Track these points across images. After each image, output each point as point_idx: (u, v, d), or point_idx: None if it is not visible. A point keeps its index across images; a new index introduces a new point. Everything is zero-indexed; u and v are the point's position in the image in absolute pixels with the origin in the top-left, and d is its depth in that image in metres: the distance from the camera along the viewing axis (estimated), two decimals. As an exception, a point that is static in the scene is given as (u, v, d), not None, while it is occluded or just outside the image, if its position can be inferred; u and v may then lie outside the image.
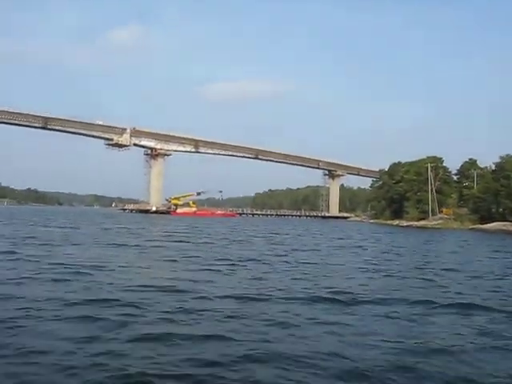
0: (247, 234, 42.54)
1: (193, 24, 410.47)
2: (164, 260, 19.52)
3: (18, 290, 11.10)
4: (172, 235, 36.59)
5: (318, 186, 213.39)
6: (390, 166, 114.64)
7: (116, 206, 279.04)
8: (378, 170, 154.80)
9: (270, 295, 11.68)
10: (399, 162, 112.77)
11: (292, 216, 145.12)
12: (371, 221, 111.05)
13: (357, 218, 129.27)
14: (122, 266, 16.40)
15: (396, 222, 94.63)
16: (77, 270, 14.63)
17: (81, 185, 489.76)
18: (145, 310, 9.54)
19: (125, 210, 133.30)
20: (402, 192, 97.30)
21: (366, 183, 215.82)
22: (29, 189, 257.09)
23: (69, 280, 12.89)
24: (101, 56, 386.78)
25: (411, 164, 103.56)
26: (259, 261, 19.84)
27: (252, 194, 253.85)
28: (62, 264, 16.12)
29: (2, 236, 28.59)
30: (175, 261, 18.93)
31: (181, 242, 29.84)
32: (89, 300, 10.31)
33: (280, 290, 12.52)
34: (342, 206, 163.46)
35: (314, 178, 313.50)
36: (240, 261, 19.47)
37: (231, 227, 57.19)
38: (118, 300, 10.36)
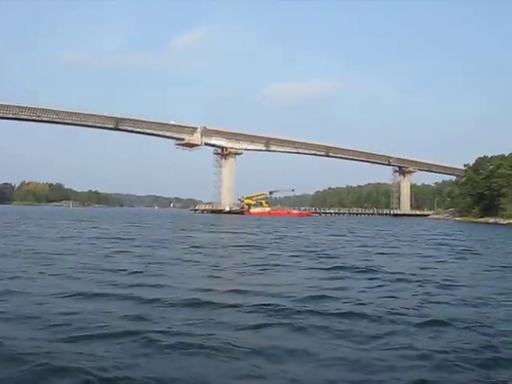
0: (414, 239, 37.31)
1: (252, 25, 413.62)
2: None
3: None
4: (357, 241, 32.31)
5: (378, 183, 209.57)
6: (476, 161, 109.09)
7: (174, 206, 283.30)
8: (449, 165, 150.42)
9: None
10: (485, 157, 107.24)
11: (364, 214, 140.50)
12: (457, 218, 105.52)
13: (439, 216, 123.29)
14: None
15: (490, 219, 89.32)
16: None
17: (138, 186, 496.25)
18: None
19: (196, 210, 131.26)
20: (496, 187, 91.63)
21: (430, 179, 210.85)
22: (90, 190, 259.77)
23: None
24: (166, 61, 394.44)
25: (502, 158, 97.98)
26: None
27: (309, 193, 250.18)
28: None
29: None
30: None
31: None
32: None
33: None
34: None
35: (376, 174, 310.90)
36: None
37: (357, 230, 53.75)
38: None
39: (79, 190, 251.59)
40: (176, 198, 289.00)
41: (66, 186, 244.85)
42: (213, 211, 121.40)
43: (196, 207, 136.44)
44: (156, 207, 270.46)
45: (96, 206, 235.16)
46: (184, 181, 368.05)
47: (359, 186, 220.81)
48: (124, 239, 28.11)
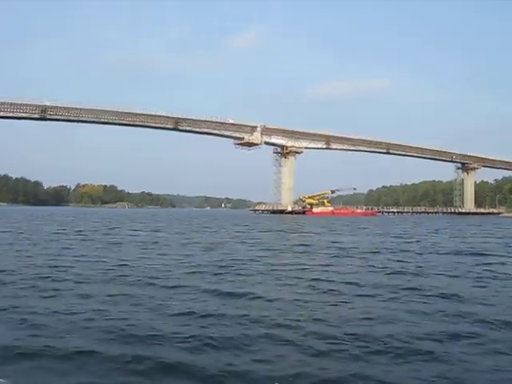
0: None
1: (297, 26, 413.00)
2: None
3: None
4: None
5: (434, 181, 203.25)
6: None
7: (225, 206, 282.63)
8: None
9: None
10: None
11: (428, 213, 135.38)
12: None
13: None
14: None
15: None
16: None
17: (188, 186, 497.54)
18: None
19: (256, 211, 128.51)
20: None
21: (489, 176, 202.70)
22: (143, 192, 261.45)
23: None
24: (218, 61, 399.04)
25: None
26: None
27: (361, 191, 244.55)
28: None
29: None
30: None
31: None
32: None
33: None
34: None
35: (430, 171, 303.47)
36: None
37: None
38: None
39: (132, 192, 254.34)
40: (226, 199, 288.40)
41: (119, 188, 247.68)
42: (274, 211, 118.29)
43: (256, 207, 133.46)
44: (208, 208, 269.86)
45: (149, 207, 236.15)
46: (234, 181, 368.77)
47: (414, 184, 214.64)
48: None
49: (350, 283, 12.41)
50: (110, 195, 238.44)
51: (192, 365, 6.27)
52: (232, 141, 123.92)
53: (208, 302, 9.92)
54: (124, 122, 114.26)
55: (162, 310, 9.25)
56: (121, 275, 13.47)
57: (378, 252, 21.90)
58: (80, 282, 12.20)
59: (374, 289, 11.64)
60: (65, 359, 6.42)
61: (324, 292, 11.28)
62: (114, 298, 10.28)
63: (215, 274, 13.95)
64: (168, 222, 57.77)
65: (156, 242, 25.31)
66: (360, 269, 15.76)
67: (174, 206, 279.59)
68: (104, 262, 16.63)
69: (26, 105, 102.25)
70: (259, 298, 10.63)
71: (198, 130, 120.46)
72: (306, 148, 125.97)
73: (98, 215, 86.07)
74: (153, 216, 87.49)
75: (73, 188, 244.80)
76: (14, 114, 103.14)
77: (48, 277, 13.03)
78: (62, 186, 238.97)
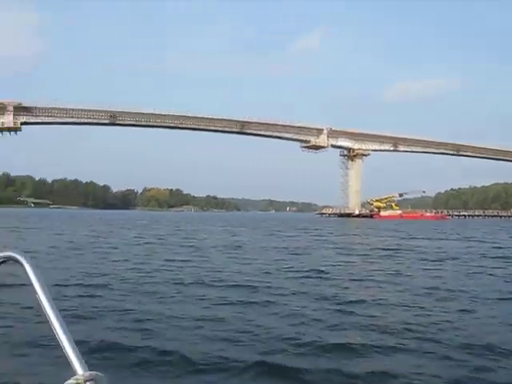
0: None
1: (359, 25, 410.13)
2: None
3: None
4: None
5: (506, 183, 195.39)
6: None
7: (290, 209, 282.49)
8: None
9: None
10: None
11: (502, 217, 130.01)
12: None
13: None
14: None
15: None
16: None
17: (253, 190, 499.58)
18: None
19: (323, 214, 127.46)
20: None
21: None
22: (208, 195, 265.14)
23: None
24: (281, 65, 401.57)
25: None
26: None
27: (429, 194, 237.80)
28: None
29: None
30: None
31: None
32: None
33: None
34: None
35: (498, 173, 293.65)
36: None
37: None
38: None
39: (197, 195, 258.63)
40: (291, 202, 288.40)
41: (184, 192, 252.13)
42: (341, 215, 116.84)
43: (323, 211, 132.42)
44: (273, 211, 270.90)
45: (214, 210, 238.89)
46: (298, 184, 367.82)
47: (484, 187, 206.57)
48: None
49: (462, 290, 11.81)
50: (175, 199, 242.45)
51: (331, 373, 5.99)
52: (297, 144, 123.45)
53: (323, 311, 9.56)
54: (187, 126, 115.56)
55: (280, 316, 9.02)
56: (217, 280, 13.33)
57: (470, 258, 21.00)
58: (177, 288, 12.03)
59: (489, 298, 10.99)
60: (188, 367, 6.22)
61: (437, 299, 10.75)
62: (220, 304, 10.08)
63: (314, 280, 13.65)
64: (239, 226, 57.86)
65: (239, 246, 25.27)
66: (460, 275, 15.10)
67: (238, 210, 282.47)
68: (212, 267, 16.44)
69: (98, 111, 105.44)
70: (370, 304, 10.25)
71: (263, 133, 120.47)
72: (373, 150, 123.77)
73: (167, 218, 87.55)
74: (220, 219, 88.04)
75: (140, 192, 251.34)
76: (88, 120, 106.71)
77: (141, 282, 12.91)
78: (130, 190, 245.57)
